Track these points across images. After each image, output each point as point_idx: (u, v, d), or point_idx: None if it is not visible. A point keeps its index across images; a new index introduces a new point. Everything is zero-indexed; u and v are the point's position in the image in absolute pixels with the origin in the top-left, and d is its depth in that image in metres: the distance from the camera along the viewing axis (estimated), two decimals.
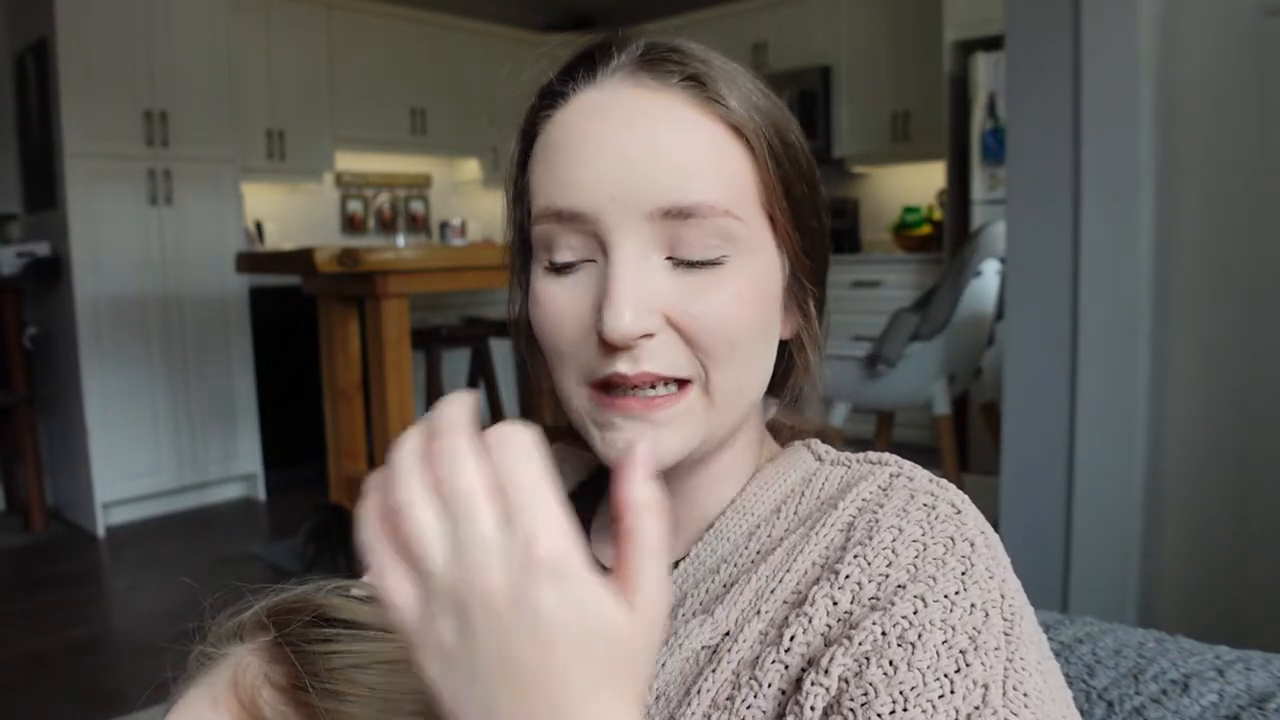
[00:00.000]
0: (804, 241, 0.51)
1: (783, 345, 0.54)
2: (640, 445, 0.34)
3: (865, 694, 0.39)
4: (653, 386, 0.47)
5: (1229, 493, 1.71)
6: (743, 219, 0.47)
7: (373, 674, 0.46)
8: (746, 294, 0.47)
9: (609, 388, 0.47)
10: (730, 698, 0.43)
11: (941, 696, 0.38)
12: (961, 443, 3.58)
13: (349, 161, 5.06)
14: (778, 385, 0.55)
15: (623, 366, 0.46)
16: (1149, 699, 0.59)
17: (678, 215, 0.45)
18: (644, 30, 0.52)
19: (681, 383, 0.47)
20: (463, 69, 5.20)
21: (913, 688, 0.38)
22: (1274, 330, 1.64)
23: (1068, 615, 0.70)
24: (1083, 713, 0.61)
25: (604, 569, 0.55)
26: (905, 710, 0.38)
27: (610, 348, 0.46)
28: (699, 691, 0.44)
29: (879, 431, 3.34)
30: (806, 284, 0.52)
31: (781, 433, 0.61)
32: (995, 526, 0.46)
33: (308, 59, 4.61)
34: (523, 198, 0.51)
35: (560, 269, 0.48)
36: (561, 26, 5.91)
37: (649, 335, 0.46)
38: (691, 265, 0.46)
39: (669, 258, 0.47)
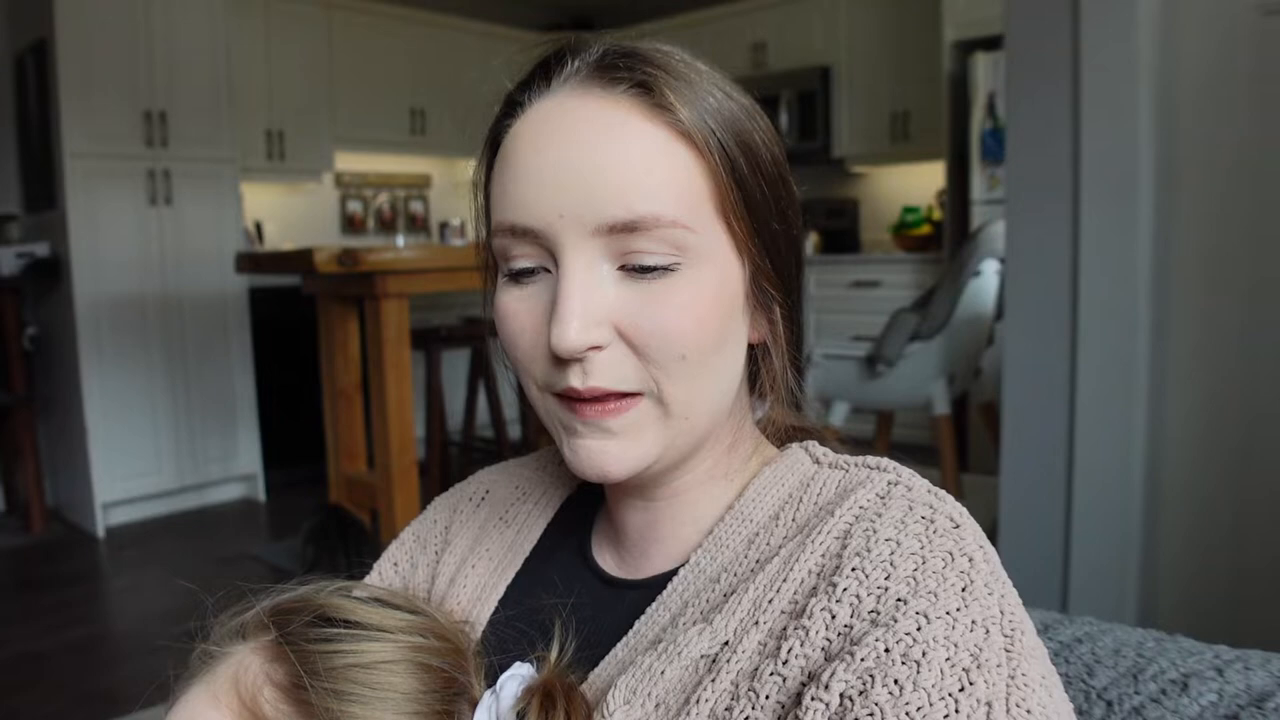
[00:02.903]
0: (765, 246, 0.50)
1: (756, 349, 0.53)
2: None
3: (871, 714, 0.39)
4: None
5: (1229, 493, 1.72)
6: (693, 228, 0.46)
7: (373, 674, 0.46)
8: (697, 305, 0.47)
9: (567, 395, 0.48)
10: (729, 709, 0.43)
11: (947, 717, 0.38)
12: (961, 443, 3.58)
13: (349, 161, 5.06)
14: (753, 388, 0.55)
15: (575, 380, 0.46)
16: (1148, 698, 0.59)
17: (624, 229, 0.45)
18: (604, 36, 0.51)
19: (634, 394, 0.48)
20: (463, 69, 5.19)
21: (919, 708, 0.38)
22: (1274, 330, 1.64)
23: (1067, 615, 0.70)
24: (1082, 712, 0.61)
25: (603, 574, 0.56)
26: None
27: (562, 360, 0.46)
28: (698, 701, 0.44)
29: (879, 431, 3.34)
30: (769, 289, 0.51)
31: (777, 432, 0.61)
32: (995, 526, 0.47)
33: (307, 59, 4.61)
34: (488, 209, 0.51)
35: (519, 277, 0.49)
36: (562, 26, 5.91)
37: (598, 348, 0.46)
38: (642, 275, 0.46)
39: (621, 267, 0.46)
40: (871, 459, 0.53)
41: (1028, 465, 1.87)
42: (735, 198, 0.48)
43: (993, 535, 1.92)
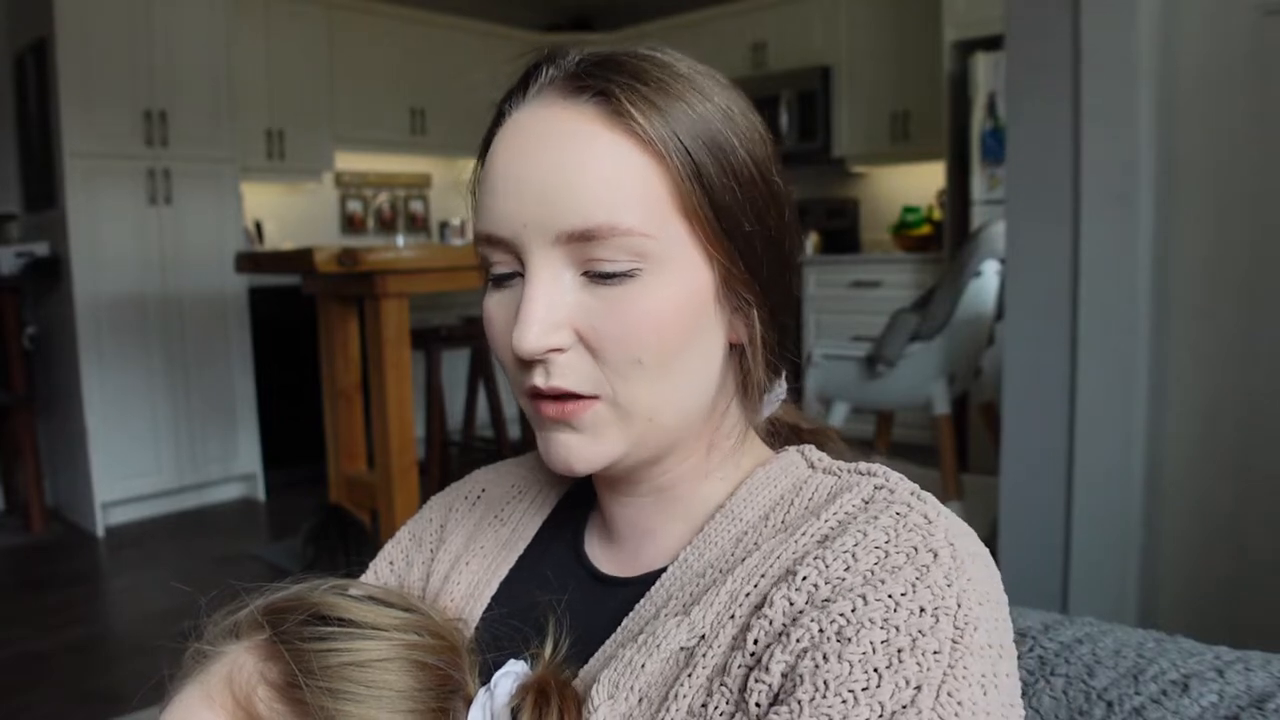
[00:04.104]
0: (737, 249, 0.50)
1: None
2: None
3: (794, 683, 0.40)
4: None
5: (1229, 493, 1.71)
6: (653, 235, 0.47)
7: (368, 672, 0.46)
8: (657, 312, 0.47)
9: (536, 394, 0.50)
10: (704, 705, 0.43)
11: (865, 689, 0.38)
12: (961, 443, 3.58)
13: (349, 161, 5.06)
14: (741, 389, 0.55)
15: (538, 380, 0.49)
16: (1149, 699, 0.59)
17: (582, 238, 0.47)
18: (586, 43, 0.52)
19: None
20: (463, 69, 5.20)
21: (837, 677, 0.39)
22: (1273, 330, 1.64)
23: (1068, 615, 0.70)
24: (1081, 713, 0.61)
25: (596, 572, 0.56)
26: (824, 696, 0.38)
27: (526, 361, 0.48)
28: (676, 696, 0.44)
29: (878, 432, 3.34)
30: (742, 292, 0.51)
31: (781, 433, 0.61)
32: (995, 526, 0.46)
33: (308, 59, 4.61)
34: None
35: (498, 282, 0.51)
36: (562, 26, 5.91)
37: (559, 350, 0.48)
38: (603, 281, 0.47)
39: (584, 274, 0.48)
40: (864, 465, 0.53)
41: (1028, 465, 1.87)
42: (700, 202, 0.48)
43: (993, 535, 1.92)
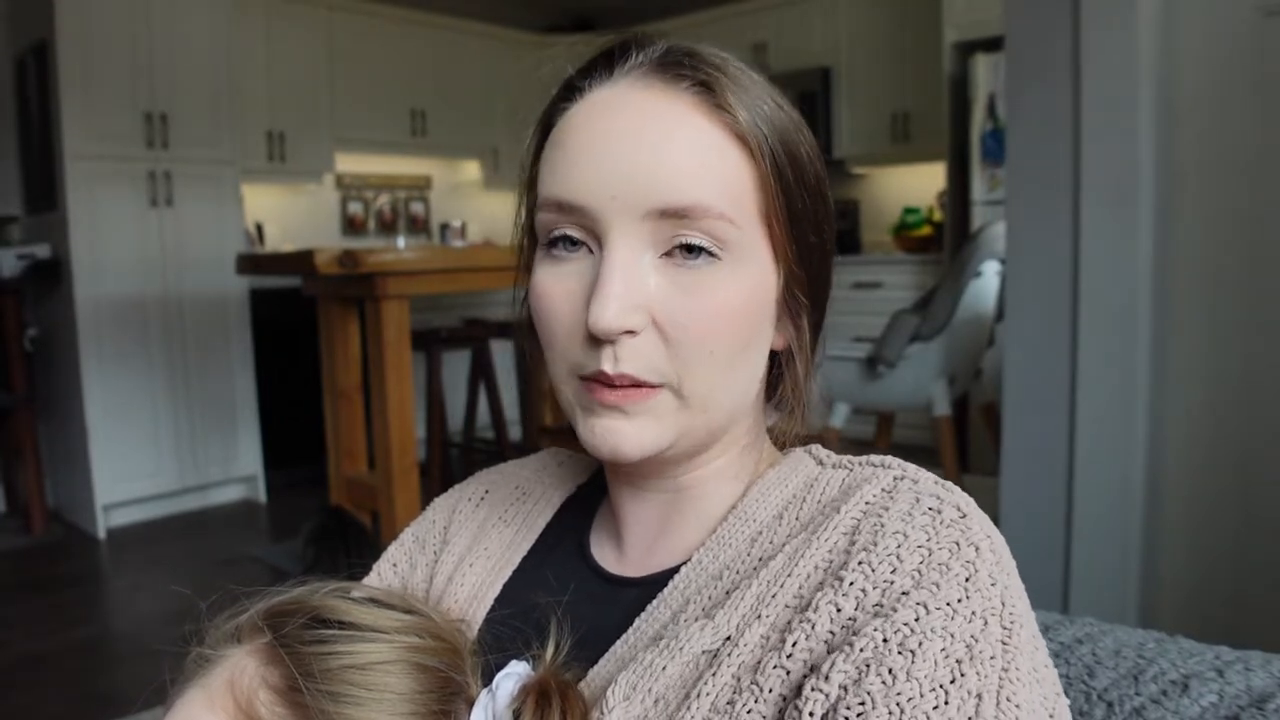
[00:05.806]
0: (801, 254, 0.51)
1: (776, 355, 0.54)
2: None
3: (863, 703, 0.39)
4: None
5: (1229, 493, 1.71)
6: (738, 224, 0.47)
7: (369, 675, 0.46)
8: (732, 302, 0.48)
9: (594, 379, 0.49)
10: (730, 702, 0.43)
11: (936, 708, 0.38)
12: (961, 443, 3.58)
13: (349, 163, 5.06)
14: (770, 394, 0.56)
15: (606, 365, 0.47)
16: (1149, 699, 0.59)
17: (673, 215, 0.46)
18: (662, 32, 0.52)
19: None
20: (463, 70, 5.20)
21: (910, 699, 0.39)
22: (1273, 330, 1.64)
23: (1068, 616, 0.70)
24: (1082, 713, 0.61)
25: (603, 572, 0.56)
26: None
27: (596, 341, 0.47)
28: (699, 695, 0.44)
29: (879, 433, 3.34)
30: (800, 297, 0.52)
31: (777, 438, 0.61)
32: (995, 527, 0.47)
33: (308, 60, 4.61)
34: (533, 186, 0.52)
35: (558, 247, 0.49)
36: (562, 28, 5.90)
37: (632, 333, 0.47)
38: (685, 261, 0.47)
39: (665, 254, 0.48)
40: (875, 457, 0.53)
41: (1028, 465, 1.87)
42: (779, 205, 0.49)
43: None
